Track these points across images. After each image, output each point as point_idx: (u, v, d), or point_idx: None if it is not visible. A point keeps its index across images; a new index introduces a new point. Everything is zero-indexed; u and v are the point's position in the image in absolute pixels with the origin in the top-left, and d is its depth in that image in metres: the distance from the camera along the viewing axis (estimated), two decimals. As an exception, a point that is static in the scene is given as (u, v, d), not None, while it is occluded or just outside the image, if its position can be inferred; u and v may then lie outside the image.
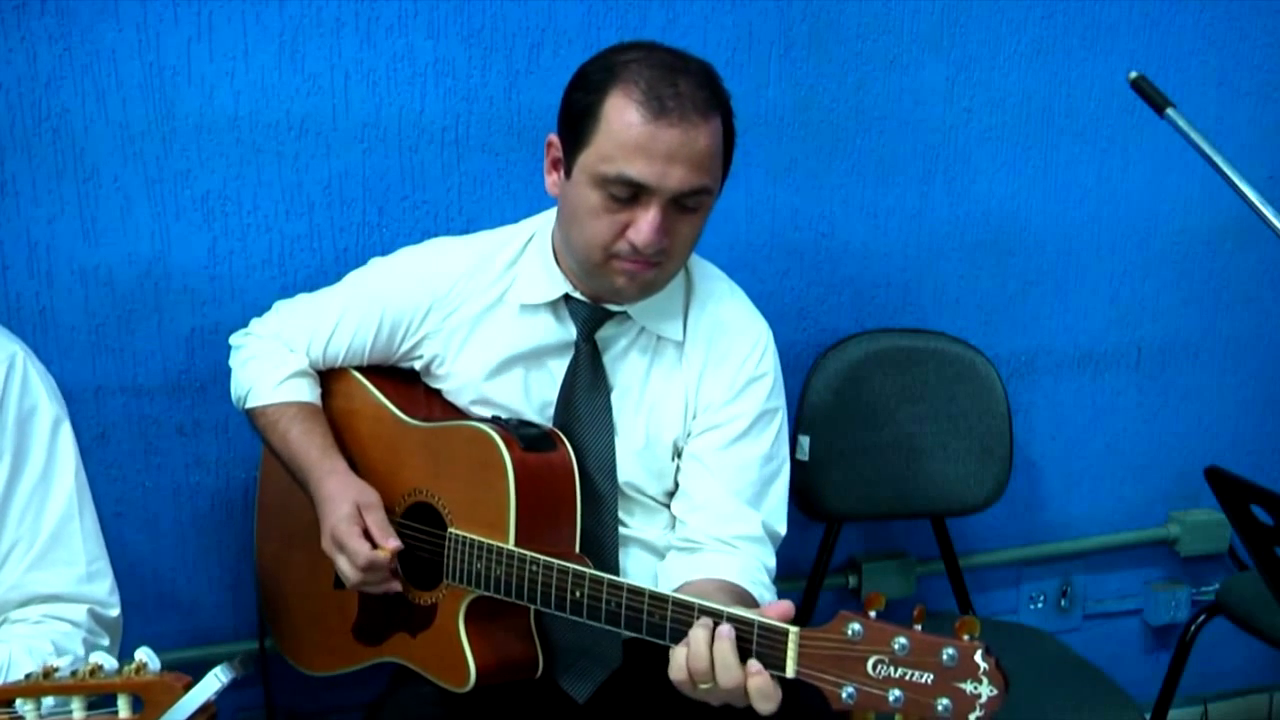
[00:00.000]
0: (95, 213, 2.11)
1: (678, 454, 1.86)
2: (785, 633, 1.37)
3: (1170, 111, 1.86)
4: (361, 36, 2.17)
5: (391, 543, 1.76)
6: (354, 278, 1.99)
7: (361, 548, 1.75)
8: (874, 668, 1.29)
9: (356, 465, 1.90)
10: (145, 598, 2.26)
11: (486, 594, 1.71)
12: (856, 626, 1.30)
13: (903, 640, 1.27)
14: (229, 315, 2.17)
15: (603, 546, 1.82)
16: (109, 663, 1.26)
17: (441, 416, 1.88)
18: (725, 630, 1.41)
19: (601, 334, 1.84)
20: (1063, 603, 2.89)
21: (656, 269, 1.73)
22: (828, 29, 2.40)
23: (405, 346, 1.92)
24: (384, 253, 2.00)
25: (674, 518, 1.85)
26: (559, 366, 1.86)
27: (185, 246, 2.16)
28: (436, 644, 1.78)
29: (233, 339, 2.06)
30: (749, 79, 2.37)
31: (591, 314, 1.83)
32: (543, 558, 1.64)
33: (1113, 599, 2.95)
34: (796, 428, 2.39)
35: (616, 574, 1.82)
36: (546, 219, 1.86)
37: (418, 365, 1.94)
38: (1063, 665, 2.32)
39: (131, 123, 2.10)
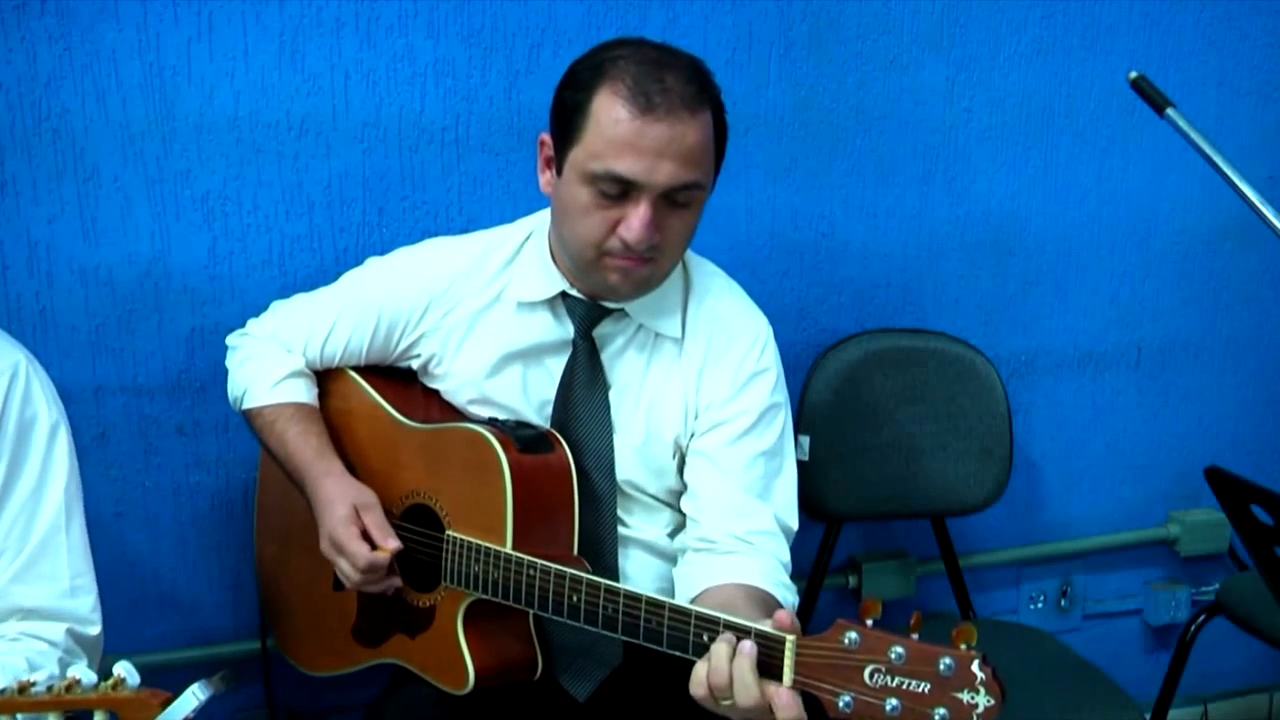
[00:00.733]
0: (95, 213, 2.11)
1: (679, 451, 1.86)
2: (783, 641, 1.36)
3: (1170, 111, 1.85)
4: (361, 36, 2.17)
5: (391, 543, 1.76)
6: (351, 277, 1.99)
7: (361, 550, 1.75)
8: (871, 676, 1.29)
9: (354, 467, 1.90)
10: (145, 598, 2.27)
11: (485, 597, 1.71)
12: (854, 635, 1.30)
13: (900, 649, 1.27)
14: (229, 315, 2.17)
15: (602, 545, 1.82)
16: (87, 677, 1.25)
17: (439, 417, 1.88)
18: (747, 648, 1.38)
19: (599, 331, 1.84)
20: (1063, 603, 2.89)
21: (651, 265, 1.73)
22: (828, 29, 2.40)
23: (403, 346, 1.92)
24: (384, 253, 2.00)
25: (684, 517, 1.85)
26: (557, 364, 1.86)
27: (185, 246, 2.16)
28: (435, 646, 1.79)
29: (229, 339, 2.06)
30: (749, 79, 2.37)
31: (588, 311, 1.83)
32: (540, 561, 1.64)
33: (1113, 599, 2.95)
34: (796, 428, 2.38)
35: (616, 574, 1.83)
36: (543, 217, 1.86)
37: (415, 365, 1.94)
38: (1063, 665, 2.32)
39: (131, 123, 2.09)
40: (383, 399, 1.92)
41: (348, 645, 1.93)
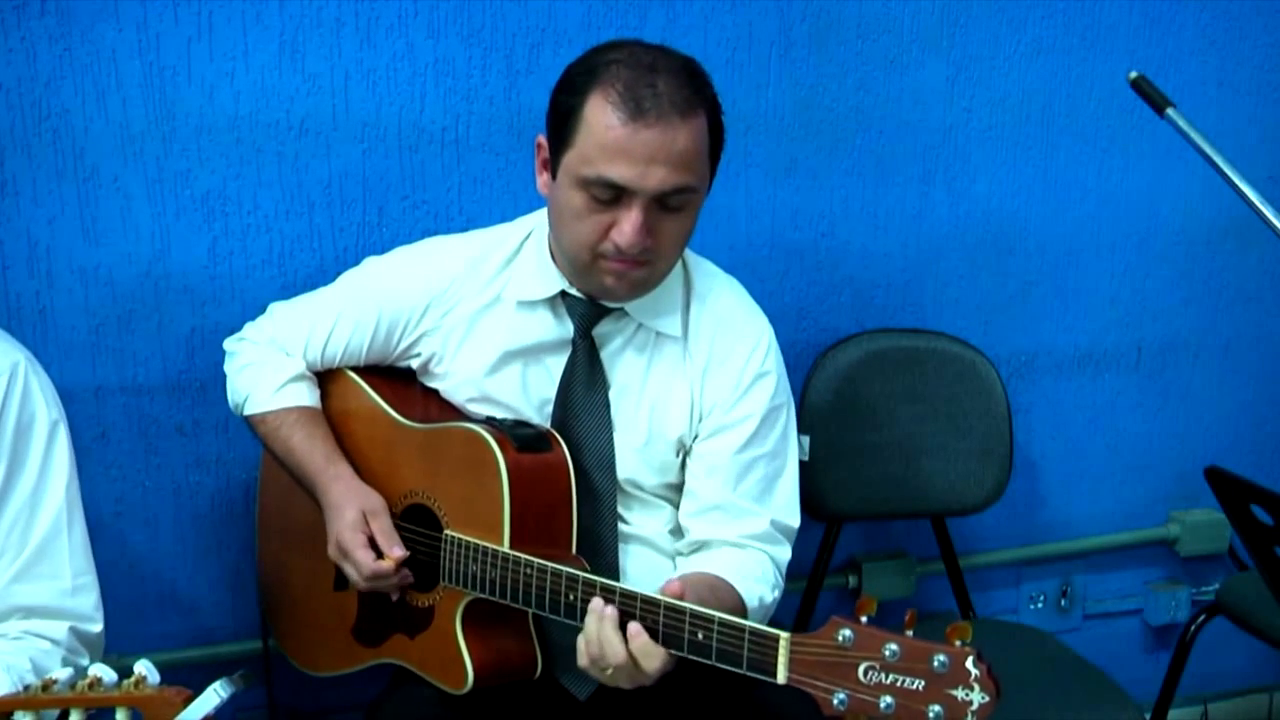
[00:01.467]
0: (95, 213, 2.11)
1: (682, 449, 1.86)
2: (776, 639, 1.37)
3: (1170, 111, 1.85)
4: (361, 36, 2.17)
5: (396, 551, 1.76)
6: (349, 278, 1.99)
7: (366, 559, 1.76)
8: (865, 674, 1.29)
9: (353, 467, 1.89)
10: (145, 598, 2.27)
11: (483, 596, 1.71)
12: (848, 632, 1.30)
13: (894, 646, 1.27)
14: (229, 315, 2.17)
15: (602, 543, 1.82)
16: (108, 675, 1.26)
17: (438, 417, 1.88)
18: (607, 611, 1.51)
19: (598, 330, 1.84)
20: (1063, 603, 2.89)
21: (646, 268, 1.73)
22: (828, 29, 2.40)
23: (403, 345, 1.92)
24: (384, 253, 2.00)
25: (679, 522, 1.86)
26: (557, 363, 1.86)
27: (185, 246, 2.17)
28: (435, 645, 1.79)
29: (226, 344, 2.05)
30: (749, 79, 2.36)
31: (588, 310, 1.83)
32: (537, 561, 1.64)
33: (1113, 599, 2.94)
34: (797, 428, 2.38)
35: (616, 571, 1.83)
36: (543, 216, 1.86)
37: (415, 364, 1.94)
38: (1063, 665, 2.32)
39: (131, 123, 2.10)
40: (381, 399, 1.92)
41: (348, 645, 1.93)
